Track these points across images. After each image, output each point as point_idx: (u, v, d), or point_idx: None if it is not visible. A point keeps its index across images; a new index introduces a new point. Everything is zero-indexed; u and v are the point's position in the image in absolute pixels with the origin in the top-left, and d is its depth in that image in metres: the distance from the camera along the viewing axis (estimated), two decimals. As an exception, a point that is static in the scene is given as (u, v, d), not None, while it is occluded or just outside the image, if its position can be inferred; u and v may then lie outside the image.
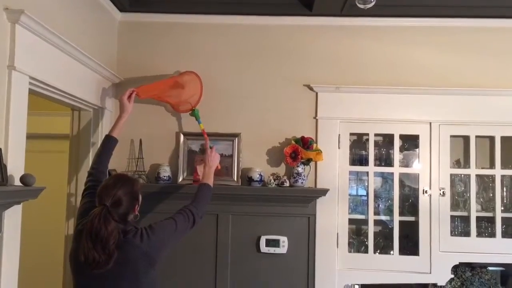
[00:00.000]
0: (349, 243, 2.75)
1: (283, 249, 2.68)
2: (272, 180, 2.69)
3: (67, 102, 2.31)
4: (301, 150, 2.63)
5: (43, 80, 1.93)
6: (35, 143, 3.19)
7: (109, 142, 2.30)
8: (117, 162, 2.76)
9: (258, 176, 2.67)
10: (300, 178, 2.66)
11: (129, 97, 2.41)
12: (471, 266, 2.88)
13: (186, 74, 2.73)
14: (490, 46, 2.77)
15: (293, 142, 2.68)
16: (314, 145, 2.69)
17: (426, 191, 2.71)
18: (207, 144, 2.57)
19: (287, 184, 2.68)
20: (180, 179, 2.74)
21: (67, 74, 2.17)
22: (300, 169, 2.67)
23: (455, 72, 2.77)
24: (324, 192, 2.65)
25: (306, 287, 2.68)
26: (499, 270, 3.17)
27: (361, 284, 2.97)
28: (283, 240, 2.69)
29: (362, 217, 2.78)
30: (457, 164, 2.86)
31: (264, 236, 2.70)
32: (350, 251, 2.74)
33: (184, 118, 2.81)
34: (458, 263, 2.71)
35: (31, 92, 1.93)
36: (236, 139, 2.75)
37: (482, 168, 2.81)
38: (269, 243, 2.69)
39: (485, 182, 2.83)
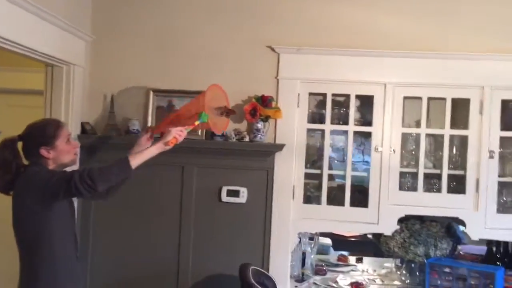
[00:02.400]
0: (304, 195, 2.96)
1: (242, 199, 2.91)
2: (234, 135, 2.88)
3: (38, 58, 2.51)
4: (259, 107, 2.81)
5: (5, 37, 2.12)
6: (14, 98, 3.48)
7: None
8: (92, 116, 2.99)
9: (220, 131, 2.87)
10: (259, 134, 2.85)
11: (150, 137, 2.47)
12: (421, 219, 3.09)
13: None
14: (444, 10, 2.87)
15: (253, 100, 2.86)
16: (273, 103, 2.86)
17: (377, 148, 2.89)
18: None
19: (246, 139, 2.88)
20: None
21: (33, 32, 2.35)
22: (259, 125, 2.86)
23: (410, 35, 2.88)
24: (280, 147, 2.84)
25: (263, 234, 2.91)
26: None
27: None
28: (243, 191, 2.91)
29: (317, 171, 2.98)
30: (417, 124, 3.00)
31: (225, 187, 2.92)
32: (304, 203, 2.95)
33: (154, 76, 2.99)
34: (404, 216, 2.91)
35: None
36: (202, 96, 2.93)
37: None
38: (230, 193, 2.91)
39: (438, 142, 3.00)
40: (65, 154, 2.13)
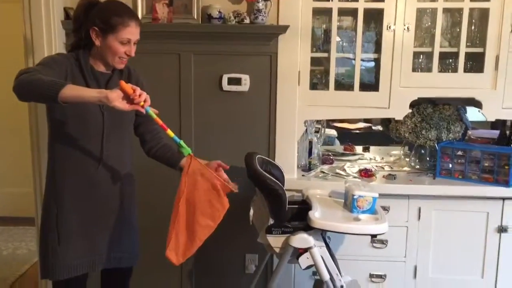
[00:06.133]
0: (311, 81, 2.78)
1: (245, 87, 2.72)
2: (232, 18, 2.63)
3: None
4: (260, -17, 2.53)
5: None
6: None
7: None
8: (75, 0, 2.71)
9: (217, 13, 2.61)
10: (260, 15, 2.60)
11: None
12: (434, 103, 2.94)
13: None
14: None
15: (252, -25, 2.57)
16: (275, -22, 2.57)
17: (390, 26, 2.65)
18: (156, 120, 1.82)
19: (247, 21, 2.63)
20: (140, 17, 2.69)
21: None
22: (260, 5, 2.59)
23: None
24: (283, 28, 2.60)
25: (267, 123, 2.77)
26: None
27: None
28: (245, 78, 2.72)
29: (325, 55, 2.76)
30: None
31: (226, 75, 2.72)
32: (311, 89, 2.77)
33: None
34: (417, 98, 2.74)
35: None
36: (195, -26, 2.64)
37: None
38: (231, 81, 2.73)
39: (455, 17, 2.75)
40: (110, 54, 1.90)
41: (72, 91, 1.62)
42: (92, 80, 1.93)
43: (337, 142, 4.02)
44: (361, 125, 5.08)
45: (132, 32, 1.90)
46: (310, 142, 3.00)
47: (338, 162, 3.19)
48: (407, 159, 3.14)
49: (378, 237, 2.60)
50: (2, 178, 4.61)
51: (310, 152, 3.00)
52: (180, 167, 2.05)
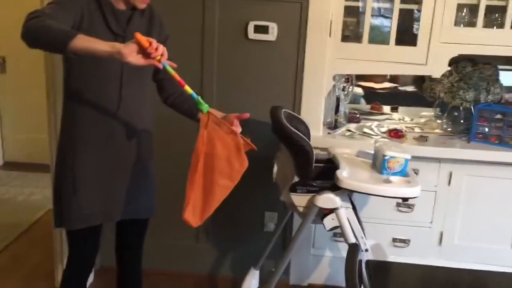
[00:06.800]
0: (343, 33, 2.59)
1: (272, 36, 2.55)
2: (262, -41, 2.43)
3: None
4: None
5: None
6: None
7: None
8: None
9: (246, -47, 2.42)
10: (293, -44, 2.40)
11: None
12: (473, 62, 2.74)
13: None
14: None
15: None
16: None
17: (433, -26, 2.43)
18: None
19: (278, -37, 2.43)
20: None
21: None
22: None
23: None
24: (317, -28, 2.40)
25: (294, 75, 2.61)
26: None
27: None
28: (272, 26, 2.54)
29: (359, 4, 2.56)
30: None
31: (252, 22, 2.54)
32: (343, 41, 2.59)
33: None
34: (457, 55, 2.55)
35: None
36: None
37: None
38: (257, 29, 2.55)
39: (505, -33, 2.52)
40: None
41: (83, 42, 1.46)
42: (112, 18, 1.77)
43: (362, 101, 3.85)
44: (387, 84, 4.87)
45: None
46: (337, 99, 2.84)
47: (365, 121, 3.03)
48: (439, 121, 2.97)
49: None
50: (17, 124, 4.55)
51: (336, 110, 2.85)
52: (199, 119, 1.90)
